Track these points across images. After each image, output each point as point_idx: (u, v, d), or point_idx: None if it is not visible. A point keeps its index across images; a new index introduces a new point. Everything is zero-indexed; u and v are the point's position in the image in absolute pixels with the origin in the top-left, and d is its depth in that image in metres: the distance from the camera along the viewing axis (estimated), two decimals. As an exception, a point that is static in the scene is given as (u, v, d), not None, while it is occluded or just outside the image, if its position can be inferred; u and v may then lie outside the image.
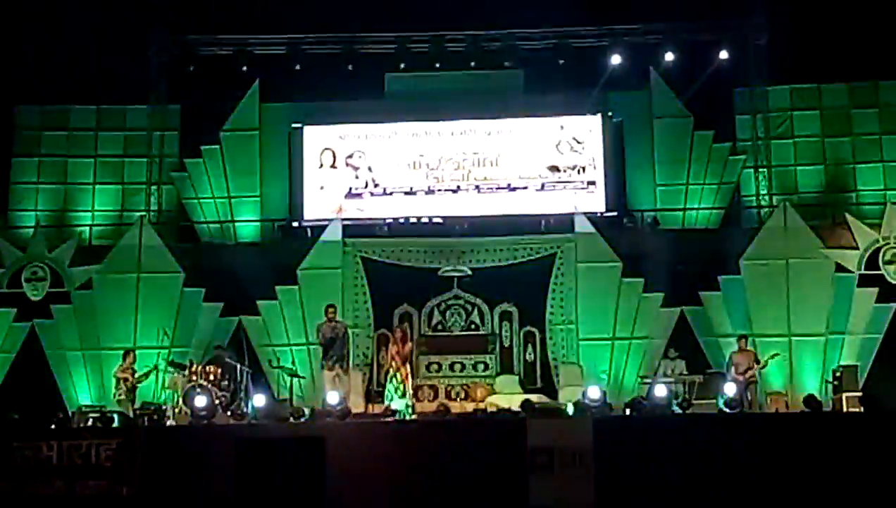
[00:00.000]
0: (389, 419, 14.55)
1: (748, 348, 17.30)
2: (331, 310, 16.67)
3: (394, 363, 16.02)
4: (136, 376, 16.84)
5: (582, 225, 19.37)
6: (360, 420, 14.75)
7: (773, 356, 17.36)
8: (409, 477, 12.68)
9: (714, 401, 15.65)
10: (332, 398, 14.99)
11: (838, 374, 17.18)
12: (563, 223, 19.80)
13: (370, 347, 19.30)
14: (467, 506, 12.52)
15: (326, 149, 21.20)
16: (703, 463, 12.59)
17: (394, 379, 15.85)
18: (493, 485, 12.58)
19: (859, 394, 16.05)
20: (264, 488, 12.41)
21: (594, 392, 15.05)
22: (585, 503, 12.46)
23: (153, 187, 20.79)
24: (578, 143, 20.91)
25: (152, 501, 12.76)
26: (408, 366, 15.93)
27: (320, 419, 14.26)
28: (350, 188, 21.06)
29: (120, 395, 16.71)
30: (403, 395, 15.76)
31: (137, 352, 17.56)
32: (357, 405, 16.14)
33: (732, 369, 16.84)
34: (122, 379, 16.78)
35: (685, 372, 17.34)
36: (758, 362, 17.01)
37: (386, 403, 15.63)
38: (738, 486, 12.50)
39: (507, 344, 19.42)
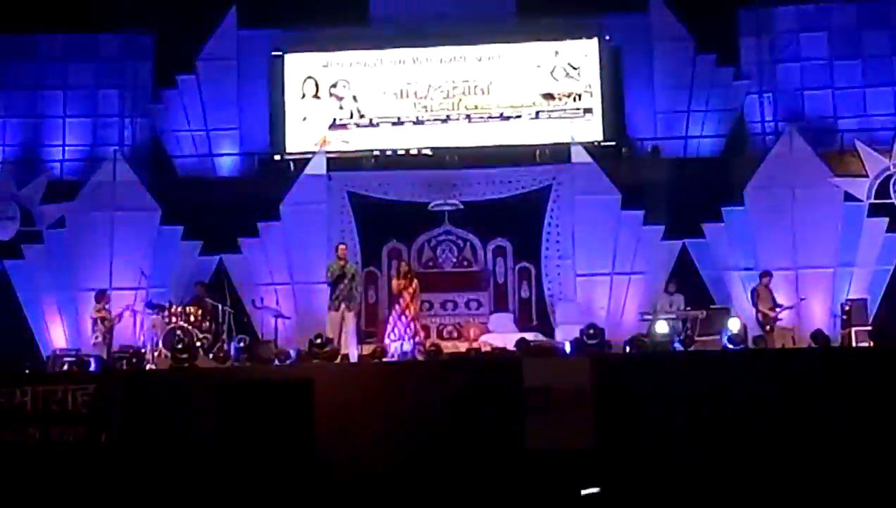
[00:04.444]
0: (377, 360, 14.50)
1: (768, 285, 17.25)
2: (341, 248, 16.61)
3: (401, 303, 15.74)
4: (111, 317, 16.79)
5: (578, 155, 19.27)
6: (350, 362, 14.73)
7: (801, 300, 17.47)
8: (401, 421, 12.72)
9: (717, 338, 15.63)
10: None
11: (847, 308, 17.11)
12: (559, 154, 19.70)
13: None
14: (460, 450, 12.57)
15: (309, 78, 20.97)
16: (707, 402, 12.64)
17: (402, 319, 15.60)
18: (487, 428, 12.63)
19: (869, 328, 16.04)
20: (248, 434, 12.40)
21: (592, 330, 15.10)
22: (584, 445, 12.53)
23: (127, 120, 20.54)
24: (574, 69, 20.70)
25: (132, 447, 12.79)
26: (417, 304, 15.73)
27: (307, 361, 14.23)
28: (334, 119, 20.87)
29: (96, 338, 16.71)
30: (414, 336, 15.57)
31: (114, 293, 17.56)
32: (347, 347, 16.11)
33: (760, 303, 16.92)
34: (97, 320, 16.77)
35: (683, 307, 17.35)
36: (777, 304, 17.00)
37: (391, 344, 15.44)
38: (742, 425, 12.56)
39: (500, 281, 19.48)
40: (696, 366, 13.34)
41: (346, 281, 16.16)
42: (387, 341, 15.74)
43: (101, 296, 17.14)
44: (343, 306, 16.14)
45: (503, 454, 12.58)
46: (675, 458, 12.49)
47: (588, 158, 19.23)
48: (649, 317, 17.08)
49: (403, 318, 15.56)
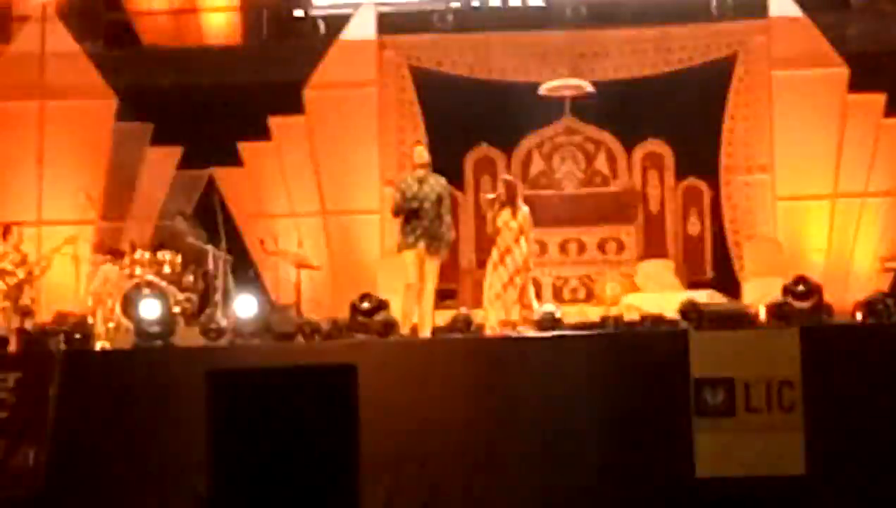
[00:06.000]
0: (460, 335, 14.58)
1: None
2: (419, 151, 16.14)
3: (500, 245, 15.75)
4: (26, 263, 17.00)
5: (781, 5, 19.28)
6: (418, 338, 14.77)
7: None
8: (498, 432, 12.79)
9: None
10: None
11: None
12: (748, 4, 19.84)
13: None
14: (594, 478, 12.61)
15: None
16: None
17: (500, 271, 15.63)
18: (633, 442, 12.66)
19: None
20: (255, 451, 12.50)
21: (803, 287, 15.04)
22: (790, 469, 12.48)
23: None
24: None
25: (73, 470, 12.92)
26: (523, 245, 15.71)
27: (348, 336, 14.31)
28: (391, -54, 21.04)
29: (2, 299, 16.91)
30: (520, 298, 15.56)
31: (39, 229, 18.03)
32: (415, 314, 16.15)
33: None
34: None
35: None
36: None
37: (491, 313, 15.47)
38: None
39: (655, 209, 19.65)
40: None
41: (426, 205, 15.95)
42: (486, 306, 15.66)
43: (6, 232, 17.19)
44: (423, 245, 15.85)
45: (660, 484, 12.56)
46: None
47: (796, 10, 19.23)
48: (896, 265, 17.09)
49: (502, 270, 15.53)
